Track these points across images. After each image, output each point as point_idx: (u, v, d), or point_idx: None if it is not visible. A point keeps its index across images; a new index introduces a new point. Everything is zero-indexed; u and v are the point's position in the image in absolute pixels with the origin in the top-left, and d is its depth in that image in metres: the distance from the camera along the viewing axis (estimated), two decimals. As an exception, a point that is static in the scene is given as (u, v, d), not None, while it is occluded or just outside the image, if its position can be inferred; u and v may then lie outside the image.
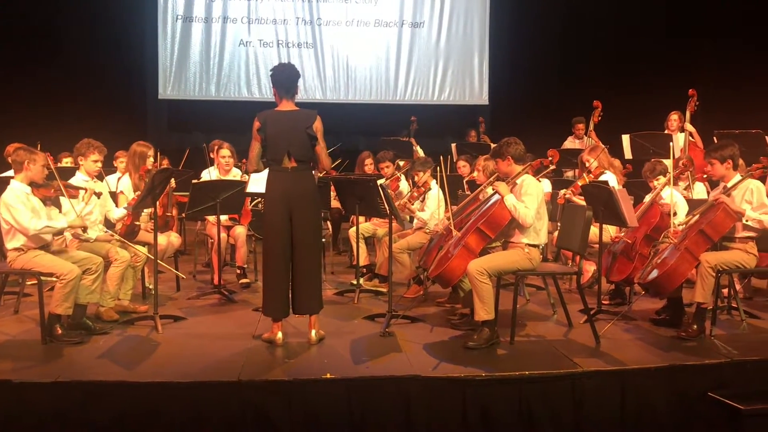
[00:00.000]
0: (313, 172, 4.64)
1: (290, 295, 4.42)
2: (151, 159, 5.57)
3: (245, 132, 6.62)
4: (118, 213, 5.26)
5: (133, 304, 5.19)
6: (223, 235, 6.02)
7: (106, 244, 4.99)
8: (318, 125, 4.36)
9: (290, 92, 4.39)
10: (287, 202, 4.33)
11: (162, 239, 5.37)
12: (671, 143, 6.97)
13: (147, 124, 11.33)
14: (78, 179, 5.07)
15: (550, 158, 5.14)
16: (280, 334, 4.40)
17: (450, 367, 3.97)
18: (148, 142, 5.72)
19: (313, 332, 4.43)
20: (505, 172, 4.69)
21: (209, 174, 6.34)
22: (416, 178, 6.22)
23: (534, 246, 4.58)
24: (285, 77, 4.40)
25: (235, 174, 6.37)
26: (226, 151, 6.29)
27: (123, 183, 5.58)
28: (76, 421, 3.62)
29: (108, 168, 5.54)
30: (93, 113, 9.38)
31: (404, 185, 6.65)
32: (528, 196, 4.50)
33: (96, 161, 5.09)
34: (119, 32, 10.79)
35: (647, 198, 5.43)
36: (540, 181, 4.84)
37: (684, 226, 4.78)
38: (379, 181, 5.42)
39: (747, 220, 4.50)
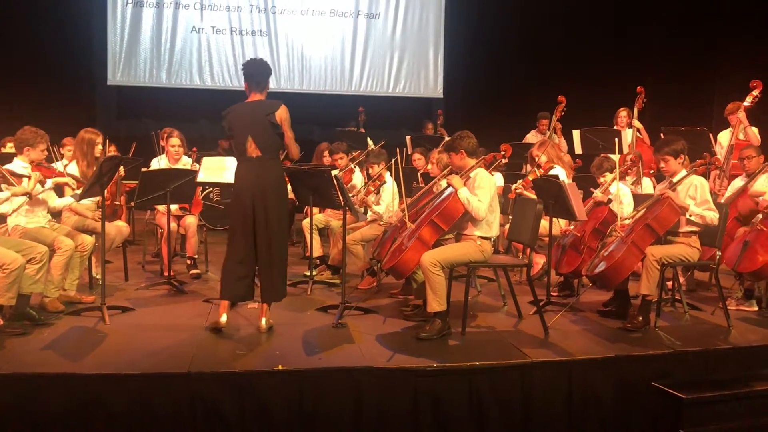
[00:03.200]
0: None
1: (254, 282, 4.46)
2: (100, 146, 5.44)
3: (197, 120, 6.53)
4: (62, 201, 5.12)
5: (79, 295, 5.06)
6: (174, 224, 5.92)
7: (51, 233, 4.85)
8: (282, 114, 4.39)
9: (260, 86, 4.44)
10: (252, 191, 4.35)
11: (110, 228, 5.25)
12: (618, 139, 7.14)
13: (95, 110, 11.04)
14: (17, 165, 4.90)
15: (502, 152, 5.21)
16: (224, 317, 4.41)
17: (402, 358, 3.99)
18: (96, 129, 5.58)
19: (264, 320, 4.44)
20: (459, 166, 4.72)
21: (158, 162, 6.22)
22: (371, 171, 6.23)
23: (486, 238, 4.63)
24: (255, 71, 4.44)
25: (185, 163, 6.26)
26: (176, 140, 6.17)
27: (70, 171, 5.43)
28: (16, 415, 3.51)
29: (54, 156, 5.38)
30: (39, 99, 9.11)
31: (358, 177, 6.64)
32: (481, 190, 4.55)
33: (43, 150, 4.95)
34: (66, 16, 10.47)
35: (596, 192, 5.54)
36: (493, 175, 4.89)
37: (631, 220, 4.89)
38: (333, 173, 5.40)
39: (690, 215, 4.63)
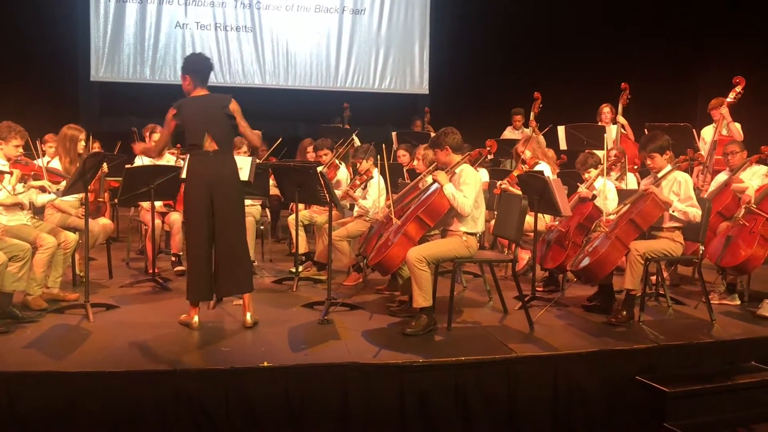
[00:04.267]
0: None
1: (214, 279, 4.41)
2: (83, 143, 5.40)
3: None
4: (44, 198, 5.08)
5: (62, 292, 5.02)
6: (158, 221, 5.88)
7: (33, 230, 4.81)
8: (234, 106, 4.41)
9: (204, 81, 4.44)
10: (209, 185, 4.32)
11: (94, 225, 5.21)
12: (605, 135, 7.18)
13: (78, 106, 10.95)
14: None
15: (488, 148, 5.22)
16: (196, 318, 4.41)
17: (388, 354, 4.00)
18: (79, 125, 5.53)
19: (249, 315, 4.44)
20: (444, 162, 4.73)
21: (142, 159, 6.17)
22: (358, 166, 6.21)
23: (471, 234, 4.64)
24: (202, 66, 4.44)
25: (169, 159, 6.22)
26: (158, 135, 6.12)
27: (52, 167, 5.37)
28: None
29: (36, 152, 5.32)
30: (21, 95, 9.01)
31: (342, 173, 6.62)
32: (466, 186, 4.55)
33: (17, 146, 4.89)
34: (48, 11, 10.37)
35: (581, 188, 5.57)
36: (478, 171, 4.90)
37: (615, 215, 4.92)
38: (318, 169, 5.39)
39: (674, 212, 4.67)
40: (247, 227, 6.02)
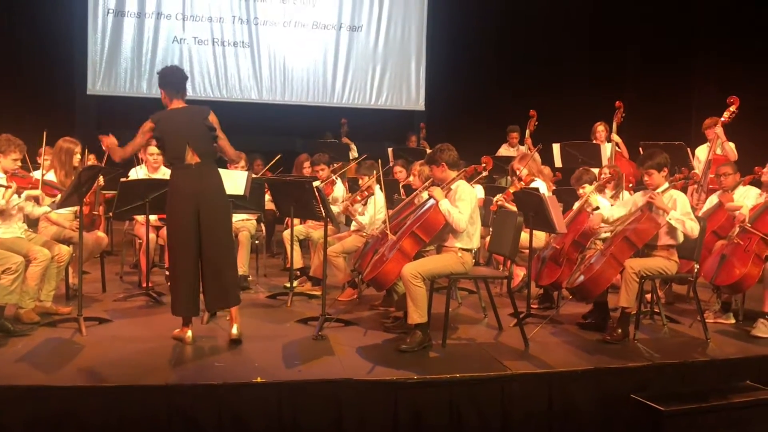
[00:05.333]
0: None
1: (201, 293, 4.39)
2: (78, 156, 5.39)
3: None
4: (39, 210, 5.06)
5: (55, 306, 4.99)
6: (152, 235, 5.86)
7: (26, 243, 4.79)
8: (213, 118, 4.41)
9: (180, 92, 4.44)
10: (194, 198, 4.29)
11: (88, 239, 5.19)
12: (599, 152, 7.22)
13: (75, 120, 10.94)
14: None
15: (483, 165, 5.22)
16: (189, 333, 4.39)
17: (382, 370, 3.98)
18: (75, 138, 5.53)
19: (235, 327, 4.40)
20: (440, 178, 4.74)
21: (137, 173, 6.17)
22: (360, 182, 6.22)
23: (467, 250, 4.64)
24: (176, 79, 4.45)
25: (165, 173, 6.21)
26: (154, 149, 6.13)
27: (48, 179, 5.36)
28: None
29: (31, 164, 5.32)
30: (18, 108, 9.00)
31: (339, 189, 6.63)
32: (462, 202, 4.56)
33: (15, 159, 4.88)
34: (46, 25, 10.37)
35: (576, 205, 5.59)
36: (474, 187, 4.91)
37: (610, 234, 4.93)
38: (315, 184, 5.39)
39: (671, 219, 4.66)
40: (242, 241, 6.06)
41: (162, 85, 4.44)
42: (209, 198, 4.33)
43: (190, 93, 12.01)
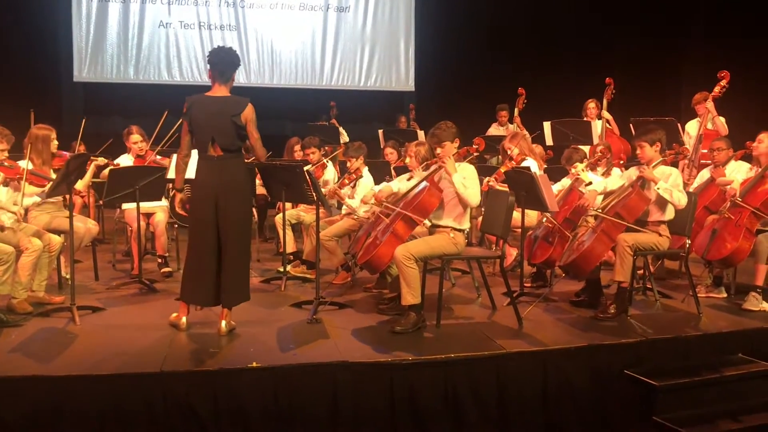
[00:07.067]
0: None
1: (217, 286, 4.33)
2: (55, 142, 5.30)
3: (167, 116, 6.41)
4: (28, 200, 5.02)
5: (48, 295, 4.97)
6: (143, 222, 5.84)
7: (17, 233, 4.75)
8: (248, 114, 4.24)
9: (224, 76, 4.27)
10: (214, 191, 4.23)
11: (79, 227, 5.16)
12: (590, 129, 7.21)
13: (61, 107, 10.85)
14: None
15: (476, 146, 5.19)
16: (184, 319, 4.37)
17: (377, 352, 3.99)
18: (62, 127, 5.48)
19: (224, 323, 4.31)
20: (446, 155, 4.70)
21: (125, 161, 6.13)
22: (348, 164, 6.19)
23: (459, 231, 4.64)
24: (219, 60, 4.27)
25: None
26: (136, 136, 6.09)
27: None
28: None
29: (17, 153, 5.25)
30: (2, 97, 8.90)
31: (330, 173, 6.59)
32: (469, 180, 4.57)
33: (2, 150, 4.84)
34: (30, 11, 10.26)
35: (563, 182, 5.58)
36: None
37: (601, 211, 4.93)
38: (306, 168, 5.36)
39: (658, 188, 4.67)
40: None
41: (209, 63, 4.30)
42: (228, 193, 4.24)
43: (177, 78, 11.98)
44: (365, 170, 6.06)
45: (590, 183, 5.27)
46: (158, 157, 6.24)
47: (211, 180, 4.25)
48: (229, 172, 4.27)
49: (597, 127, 7.70)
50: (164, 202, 6.23)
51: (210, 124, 4.22)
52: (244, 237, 4.40)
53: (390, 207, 4.70)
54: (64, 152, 5.25)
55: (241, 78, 11.25)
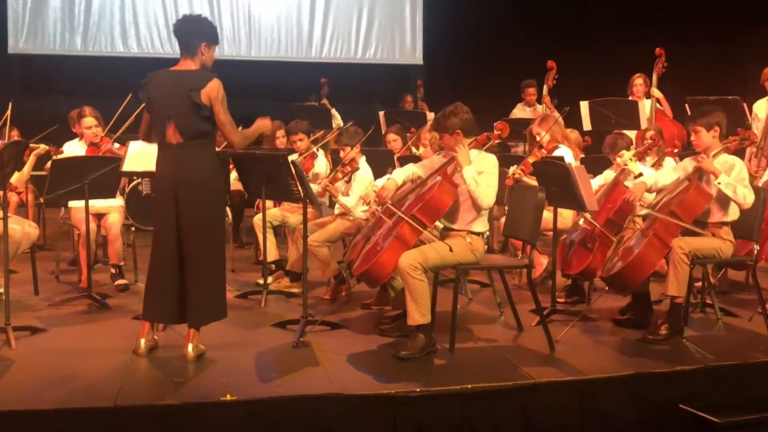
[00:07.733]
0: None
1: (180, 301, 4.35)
2: None
3: (122, 95, 6.41)
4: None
5: (-23, 314, 4.98)
6: (93, 225, 5.84)
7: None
8: (212, 91, 4.19)
9: (189, 49, 4.27)
10: (173, 185, 4.24)
11: (15, 231, 5.17)
12: (639, 110, 7.19)
13: (-6, 85, 10.89)
14: None
15: (497, 132, 5.17)
16: (142, 342, 4.36)
17: (378, 383, 3.99)
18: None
19: (191, 346, 4.30)
20: (451, 148, 4.70)
21: (73, 148, 6.13)
22: (342, 154, 6.18)
23: (478, 234, 4.64)
24: (183, 29, 4.30)
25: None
26: (90, 120, 6.07)
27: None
28: None
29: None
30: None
31: (321, 163, 6.60)
32: (487, 175, 4.56)
33: None
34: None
35: (606, 175, 5.58)
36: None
37: (651, 210, 4.92)
38: (291, 158, 5.36)
39: (719, 182, 4.66)
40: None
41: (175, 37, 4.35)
42: (189, 188, 4.23)
43: (134, 50, 12.01)
44: (362, 161, 6.06)
45: (640, 175, 5.25)
46: (116, 145, 6.24)
47: (169, 173, 4.25)
48: (189, 163, 4.25)
49: (645, 107, 7.70)
50: (119, 201, 6.23)
51: (167, 102, 4.23)
52: (211, 242, 4.38)
53: (394, 207, 4.69)
54: None
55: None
